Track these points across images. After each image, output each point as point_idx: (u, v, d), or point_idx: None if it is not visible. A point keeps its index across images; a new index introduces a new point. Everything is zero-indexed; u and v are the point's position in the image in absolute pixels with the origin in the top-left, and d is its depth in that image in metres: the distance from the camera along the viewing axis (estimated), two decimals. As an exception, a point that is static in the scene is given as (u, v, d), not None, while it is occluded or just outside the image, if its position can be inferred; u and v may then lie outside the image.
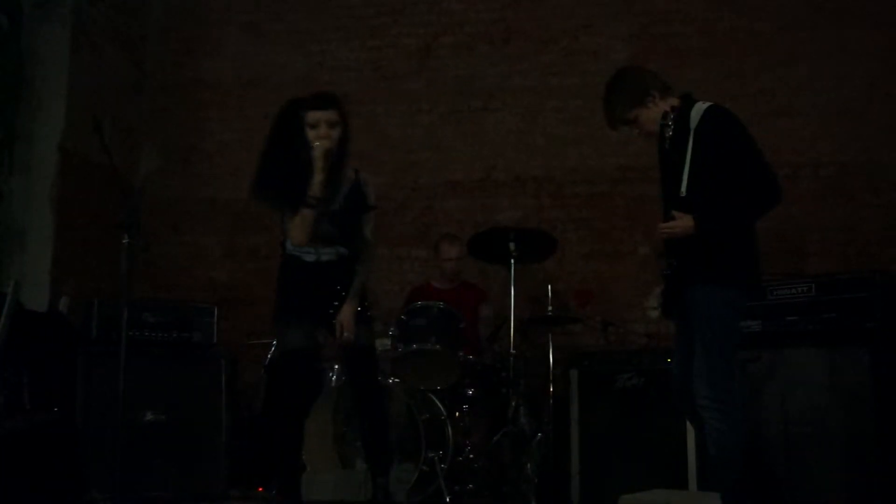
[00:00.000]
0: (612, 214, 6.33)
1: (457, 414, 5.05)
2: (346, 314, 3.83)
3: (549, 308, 5.20)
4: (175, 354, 5.14)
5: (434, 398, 4.96)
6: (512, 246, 4.91)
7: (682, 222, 3.44)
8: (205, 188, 6.88)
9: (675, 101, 3.60)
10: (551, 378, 5.07)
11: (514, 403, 4.86)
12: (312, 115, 3.75)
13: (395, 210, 6.48)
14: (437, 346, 4.93)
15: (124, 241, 4.16)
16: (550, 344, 5.17)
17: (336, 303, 3.85)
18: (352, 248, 3.88)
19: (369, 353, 4.03)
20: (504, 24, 6.70)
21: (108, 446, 4.22)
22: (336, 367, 4.91)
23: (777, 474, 4.07)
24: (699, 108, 3.53)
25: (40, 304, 5.49)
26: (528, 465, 4.77)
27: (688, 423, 4.37)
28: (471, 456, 4.93)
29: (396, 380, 4.98)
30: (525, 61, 6.62)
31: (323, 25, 6.93)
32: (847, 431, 3.94)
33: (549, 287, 5.26)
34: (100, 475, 4.33)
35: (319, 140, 3.71)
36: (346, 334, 3.81)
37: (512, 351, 4.94)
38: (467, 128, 6.57)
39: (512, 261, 4.92)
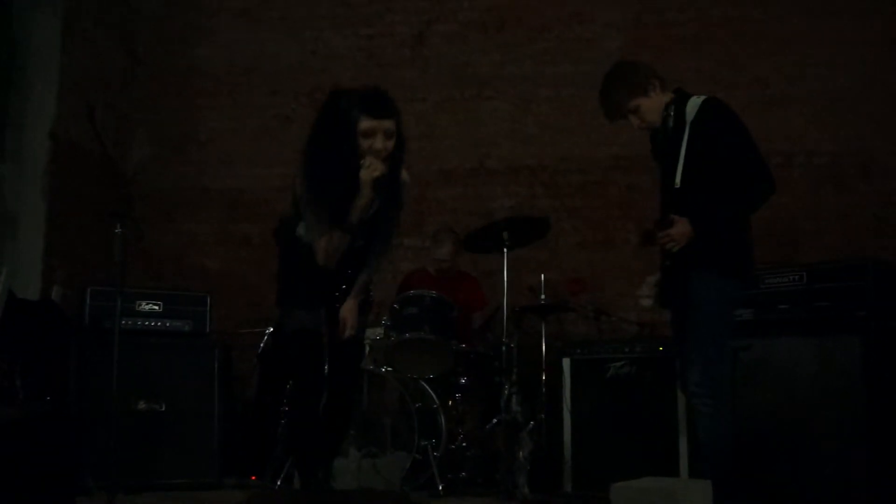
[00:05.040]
0: (605, 203, 6.34)
1: (449, 402, 5.07)
2: (348, 308, 3.63)
3: (542, 297, 5.21)
4: (168, 343, 5.14)
5: (427, 387, 4.98)
6: (505, 235, 4.90)
7: (680, 229, 3.44)
8: (197, 176, 6.86)
9: (669, 96, 3.62)
10: (544, 366, 5.07)
11: (506, 392, 4.86)
12: (367, 123, 3.32)
13: (388, 198, 6.47)
14: (430, 335, 4.94)
15: (117, 231, 4.14)
16: (543, 332, 5.17)
17: (341, 291, 3.65)
18: (370, 241, 3.61)
19: (357, 343, 3.83)
20: (497, 12, 6.68)
21: (102, 435, 4.21)
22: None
23: (768, 462, 4.08)
24: (695, 101, 3.55)
25: (32, 292, 5.47)
26: (521, 453, 4.76)
27: (679, 411, 4.40)
28: (464, 444, 4.94)
29: (389, 368, 5.00)
30: (518, 50, 6.61)
31: (316, 13, 6.90)
32: (838, 420, 3.94)
33: (542, 276, 5.26)
34: (93, 464, 4.32)
35: (371, 160, 3.33)
36: (348, 331, 3.62)
37: (504, 339, 4.95)
38: (460, 116, 6.56)
39: (505, 249, 4.92)
